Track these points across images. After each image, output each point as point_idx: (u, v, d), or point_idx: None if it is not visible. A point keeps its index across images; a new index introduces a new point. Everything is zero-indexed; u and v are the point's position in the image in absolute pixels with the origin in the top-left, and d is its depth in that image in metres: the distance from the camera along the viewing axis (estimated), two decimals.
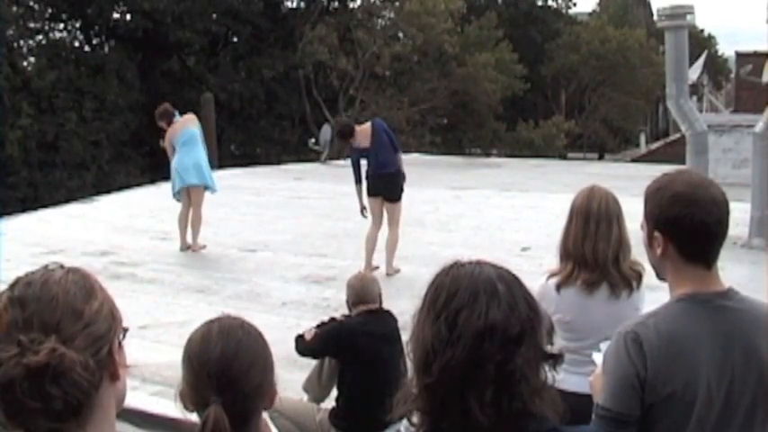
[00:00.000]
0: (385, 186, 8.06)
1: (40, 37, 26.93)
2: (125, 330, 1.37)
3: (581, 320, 3.17)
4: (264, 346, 1.76)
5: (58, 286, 1.29)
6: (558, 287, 3.17)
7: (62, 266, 1.36)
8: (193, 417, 1.71)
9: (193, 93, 24.63)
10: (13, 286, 1.30)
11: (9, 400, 1.20)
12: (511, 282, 1.55)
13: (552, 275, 3.22)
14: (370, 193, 8.15)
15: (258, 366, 1.71)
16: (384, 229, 8.16)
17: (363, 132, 8.09)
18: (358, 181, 8.18)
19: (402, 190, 8.14)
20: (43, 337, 1.22)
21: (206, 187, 9.29)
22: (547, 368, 1.55)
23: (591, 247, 3.12)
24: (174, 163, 9.17)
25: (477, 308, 1.49)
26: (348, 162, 8.46)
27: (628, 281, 3.16)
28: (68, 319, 1.26)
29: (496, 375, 1.46)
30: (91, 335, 1.27)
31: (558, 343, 1.86)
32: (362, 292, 4.38)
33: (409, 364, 1.60)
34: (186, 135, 9.15)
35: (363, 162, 8.18)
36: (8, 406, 1.21)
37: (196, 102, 20.06)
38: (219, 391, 1.64)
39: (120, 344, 1.34)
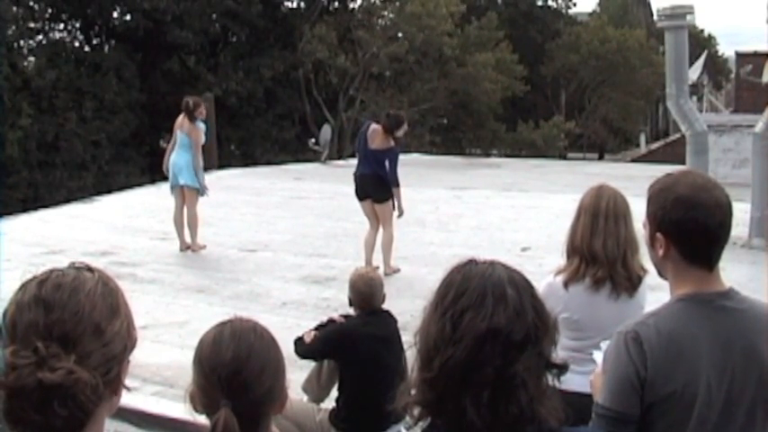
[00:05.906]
0: (372, 187, 8.00)
1: (40, 37, 26.92)
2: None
3: (589, 319, 3.14)
4: (276, 351, 1.74)
5: (86, 299, 1.26)
6: (566, 284, 3.14)
7: (90, 270, 1.32)
8: (201, 419, 1.70)
9: (193, 92, 24.54)
10: (41, 283, 1.27)
11: (14, 406, 1.19)
12: (522, 287, 1.54)
13: (559, 272, 3.20)
14: (359, 197, 8.16)
15: (270, 371, 1.69)
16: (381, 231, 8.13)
17: (386, 139, 7.98)
18: None
19: (389, 194, 7.97)
20: (62, 351, 1.20)
21: (198, 190, 9.24)
22: (550, 377, 1.54)
23: (600, 244, 3.10)
24: (172, 161, 9.18)
25: (483, 310, 1.48)
26: (347, 162, 8.43)
27: (631, 280, 3.13)
28: (89, 336, 1.24)
29: (495, 379, 1.46)
30: (106, 354, 1.25)
31: (562, 342, 1.85)
32: (370, 297, 4.30)
33: (410, 357, 1.59)
34: (185, 139, 9.18)
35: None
36: (11, 410, 1.19)
37: None
38: (230, 395, 1.62)
39: (128, 362, 1.33)
